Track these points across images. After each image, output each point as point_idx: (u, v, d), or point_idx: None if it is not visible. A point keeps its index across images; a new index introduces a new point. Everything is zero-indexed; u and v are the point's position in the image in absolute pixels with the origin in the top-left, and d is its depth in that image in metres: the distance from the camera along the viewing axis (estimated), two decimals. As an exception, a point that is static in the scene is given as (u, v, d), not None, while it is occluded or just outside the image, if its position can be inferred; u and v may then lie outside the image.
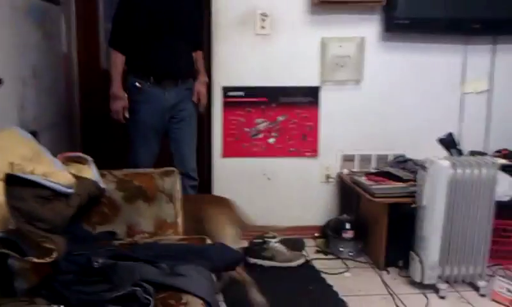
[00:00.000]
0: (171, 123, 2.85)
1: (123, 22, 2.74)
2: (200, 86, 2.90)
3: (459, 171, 2.49)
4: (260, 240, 2.89)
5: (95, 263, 1.60)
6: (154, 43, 2.72)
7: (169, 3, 2.74)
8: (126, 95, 2.76)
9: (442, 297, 2.53)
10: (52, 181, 1.69)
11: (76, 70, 3.85)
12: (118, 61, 2.76)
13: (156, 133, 2.85)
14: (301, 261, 2.88)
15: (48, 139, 2.89)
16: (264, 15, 3.05)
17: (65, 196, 1.75)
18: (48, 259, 1.47)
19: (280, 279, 2.71)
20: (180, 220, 2.08)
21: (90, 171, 2.02)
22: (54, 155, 2.06)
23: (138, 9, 2.71)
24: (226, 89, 3.11)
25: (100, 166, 2.13)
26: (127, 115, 2.77)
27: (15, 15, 2.46)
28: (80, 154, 2.13)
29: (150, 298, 1.45)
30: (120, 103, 2.75)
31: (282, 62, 3.12)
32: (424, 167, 2.53)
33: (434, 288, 2.57)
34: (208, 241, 2.00)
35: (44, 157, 1.94)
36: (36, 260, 1.46)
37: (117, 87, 2.74)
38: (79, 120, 3.93)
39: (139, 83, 2.75)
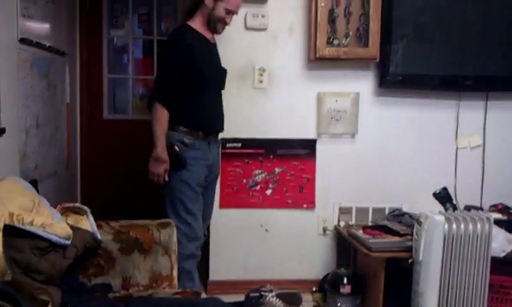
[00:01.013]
0: (207, 179, 2.70)
1: (172, 75, 2.52)
2: None
3: (454, 226, 2.51)
4: (257, 294, 2.86)
5: (89, 317, 1.60)
6: (201, 96, 2.60)
7: (213, 56, 2.74)
8: (180, 151, 2.55)
9: (440, 355, 2.49)
10: (49, 233, 1.71)
11: (78, 119, 3.92)
12: (164, 118, 2.51)
13: (200, 193, 2.63)
14: (297, 316, 2.84)
15: (48, 187, 2.92)
16: (262, 69, 3.15)
17: (62, 247, 1.76)
18: (42, 312, 1.47)
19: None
20: (175, 273, 2.08)
21: (87, 222, 2.04)
22: (53, 203, 2.09)
23: (190, 61, 2.53)
24: (224, 141, 3.16)
25: (98, 216, 2.15)
26: (166, 178, 2.54)
27: (21, 66, 2.54)
28: (78, 205, 2.16)
29: (143, 353, 1.45)
30: (164, 166, 2.51)
31: (279, 115, 3.19)
32: (419, 222, 2.55)
33: (432, 345, 2.53)
34: (203, 295, 2.00)
35: (43, 208, 1.97)
36: (30, 313, 1.46)
37: (162, 149, 2.50)
38: (79, 169, 3.97)
39: (188, 139, 2.56)
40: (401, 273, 2.72)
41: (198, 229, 2.60)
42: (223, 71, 2.80)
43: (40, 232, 1.68)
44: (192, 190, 2.57)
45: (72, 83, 3.65)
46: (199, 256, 2.68)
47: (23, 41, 2.54)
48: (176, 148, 2.53)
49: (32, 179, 2.51)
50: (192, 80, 2.54)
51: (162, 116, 2.50)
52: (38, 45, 2.80)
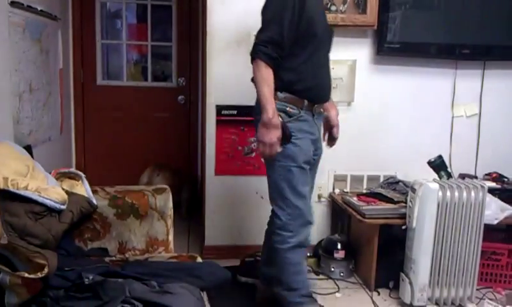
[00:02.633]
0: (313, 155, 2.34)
1: (281, 26, 2.07)
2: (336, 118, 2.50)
3: (448, 193, 2.53)
4: (252, 259, 2.90)
5: (86, 279, 1.61)
6: (310, 57, 2.18)
7: (322, 10, 2.35)
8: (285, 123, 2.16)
9: (431, 319, 2.55)
10: (45, 197, 1.71)
11: (72, 85, 3.88)
12: (270, 78, 2.09)
13: (308, 170, 2.29)
14: (291, 280, 2.88)
15: (43, 153, 2.91)
16: (259, 36, 3.10)
17: (58, 211, 1.76)
18: (39, 275, 1.48)
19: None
20: (171, 237, 2.10)
21: (82, 188, 2.04)
22: (48, 169, 2.09)
23: (301, 10, 2.09)
24: (219, 108, 3.15)
25: (93, 181, 2.15)
26: (279, 149, 2.13)
27: (12, 30, 2.49)
28: (73, 170, 2.15)
29: (139, 315, 1.47)
30: (277, 133, 2.09)
31: (276, 83, 3.16)
32: (413, 189, 2.56)
33: (423, 310, 2.59)
34: (199, 259, 2.02)
35: (38, 173, 1.96)
36: (27, 275, 1.47)
37: (274, 112, 2.07)
38: (73, 135, 3.96)
39: (292, 108, 2.19)
40: (394, 240, 2.75)
41: (308, 213, 2.28)
42: (331, 32, 2.36)
43: (34, 196, 1.68)
44: (300, 168, 2.22)
45: (65, 48, 3.59)
46: (308, 246, 2.39)
47: (14, 4, 2.48)
48: (280, 118, 2.13)
49: (26, 144, 2.50)
50: (301, 36, 2.11)
51: (268, 76, 2.08)
52: (30, 9, 2.73)
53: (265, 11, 2.15)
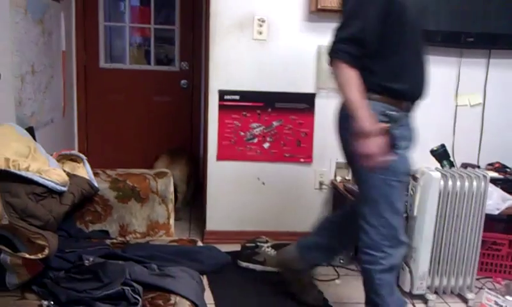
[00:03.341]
0: None
1: (366, 21, 1.79)
2: None
3: (450, 182, 2.52)
4: (253, 244, 2.90)
5: (86, 261, 1.62)
6: (406, 50, 1.89)
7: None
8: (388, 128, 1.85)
9: (430, 307, 2.55)
10: (46, 179, 1.71)
11: (74, 67, 3.87)
12: (355, 79, 1.80)
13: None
14: (291, 266, 2.89)
15: (45, 135, 2.91)
16: (261, 20, 3.08)
17: (59, 193, 1.77)
18: (40, 256, 1.49)
19: (270, 284, 2.72)
20: (172, 221, 2.10)
21: (84, 170, 2.04)
22: (50, 152, 2.08)
23: (395, 2, 1.82)
24: (222, 93, 3.13)
25: (94, 164, 2.15)
26: (390, 158, 1.82)
27: (13, 10, 2.48)
28: (75, 152, 2.15)
29: (139, 297, 1.47)
30: (377, 140, 1.78)
31: (278, 68, 3.14)
32: (415, 178, 2.56)
33: (423, 299, 2.59)
34: (199, 243, 2.02)
35: (39, 154, 1.96)
36: (28, 256, 1.48)
37: (368, 119, 1.77)
38: (76, 117, 3.96)
39: (393, 110, 1.89)
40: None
41: (403, 232, 2.02)
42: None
43: (35, 178, 1.68)
44: (400, 182, 1.95)
45: (68, 30, 3.57)
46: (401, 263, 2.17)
47: (15, -17, 2.46)
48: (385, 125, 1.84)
49: (28, 126, 2.49)
50: (392, 27, 1.82)
51: (353, 78, 1.79)
52: (32, -11, 2.71)
53: (346, 2, 1.87)
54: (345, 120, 1.87)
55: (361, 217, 2.00)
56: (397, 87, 1.87)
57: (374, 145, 1.77)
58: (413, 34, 1.90)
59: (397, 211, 1.97)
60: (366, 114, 1.77)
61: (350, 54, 1.78)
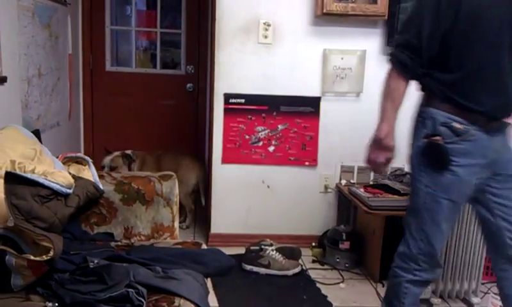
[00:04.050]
0: (493, 181, 1.83)
1: (428, 29, 1.72)
2: None
3: (455, 186, 2.51)
4: (257, 247, 2.90)
5: (91, 263, 1.62)
6: (483, 56, 1.71)
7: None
8: (441, 143, 1.75)
9: (435, 312, 2.54)
10: (51, 181, 1.72)
11: (81, 70, 3.90)
12: (398, 92, 1.79)
13: (461, 206, 1.93)
14: (296, 270, 2.89)
15: (51, 138, 2.93)
16: (267, 24, 3.09)
17: (64, 195, 1.77)
18: (45, 258, 1.49)
19: (275, 287, 2.72)
20: (176, 224, 2.11)
21: (89, 172, 2.05)
22: (56, 154, 2.10)
23: (462, 7, 1.68)
24: (227, 96, 3.14)
25: (99, 167, 2.16)
26: (387, 170, 1.85)
27: (21, 14, 2.50)
28: (80, 154, 2.16)
29: (143, 300, 1.48)
30: (386, 155, 1.86)
31: (284, 72, 3.15)
32: (421, 182, 2.54)
33: (428, 303, 2.58)
34: (204, 246, 2.02)
35: (45, 157, 1.97)
36: (33, 258, 1.48)
37: (390, 132, 1.82)
38: (82, 121, 3.98)
39: (459, 123, 1.74)
40: (400, 232, 2.73)
41: (438, 254, 1.92)
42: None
43: (41, 180, 1.68)
44: (452, 202, 1.82)
45: (74, 34, 3.60)
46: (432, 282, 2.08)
47: (23, -12, 2.49)
48: (438, 137, 1.75)
49: (34, 129, 2.51)
50: (462, 33, 1.69)
51: (395, 88, 1.78)
52: (39, -7, 2.74)
53: (406, 11, 1.83)
54: (415, 126, 1.88)
55: (405, 225, 1.97)
56: (470, 97, 1.72)
57: (379, 155, 1.84)
58: (487, 47, 1.70)
59: (441, 231, 1.86)
60: (386, 128, 1.81)
61: (402, 62, 1.77)
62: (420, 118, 1.86)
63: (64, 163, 2.08)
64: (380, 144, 1.83)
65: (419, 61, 1.76)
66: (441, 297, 2.61)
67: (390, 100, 1.80)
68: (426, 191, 1.83)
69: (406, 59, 1.76)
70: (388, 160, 1.85)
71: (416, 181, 1.86)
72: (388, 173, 3.22)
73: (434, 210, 1.83)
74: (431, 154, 1.79)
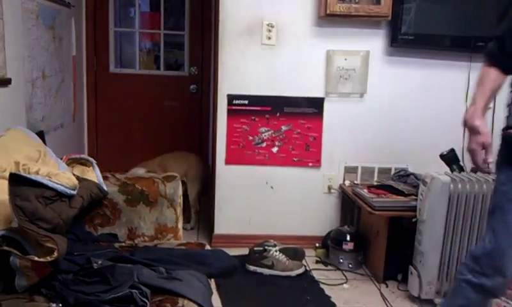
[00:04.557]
0: None
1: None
2: None
3: (459, 187, 2.51)
4: (261, 248, 2.90)
5: (95, 264, 1.63)
6: None
7: None
8: (487, 129, 1.70)
9: (439, 312, 2.53)
10: (55, 183, 1.72)
11: (85, 72, 3.91)
12: (489, 78, 1.75)
13: None
14: (300, 271, 2.89)
15: (55, 139, 2.94)
16: (271, 25, 3.09)
17: (68, 197, 1.78)
18: (49, 259, 1.50)
19: (278, 288, 2.72)
20: (180, 225, 2.11)
21: (93, 174, 2.05)
22: (60, 156, 2.11)
23: None
24: (230, 97, 3.14)
25: (104, 168, 2.17)
26: (490, 160, 1.70)
27: (25, 16, 2.51)
28: (84, 156, 2.17)
29: (147, 300, 1.48)
30: (478, 139, 1.70)
31: (287, 73, 3.15)
32: (424, 182, 2.54)
33: (431, 303, 2.57)
34: (207, 247, 2.03)
35: (49, 158, 1.98)
36: (37, 259, 1.49)
37: (475, 114, 1.71)
38: (86, 122, 3.99)
39: None
40: (404, 232, 2.74)
41: (503, 258, 1.75)
42: None
43: (45, 181, 1.69)
44: None
45: (78, 36, 3.61)
46: (493, 294, 1.86)
47: (27, -10, 2.50)
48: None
49: (39, 130, 2.52)
50: None
51: (484, 75, 1.75)
52: (43, -5, 2.75)
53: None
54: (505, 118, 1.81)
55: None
56: None
57: (472, 142, 1.71)
58: None
59: (510, 233, 1.73)
60: (472, 110, 1.72)
61: (490, 52, 1.76)
62: (507, 109, 1.78)
63: (68, 164, 2.09)
64: (471, 127, 1.71)
65: (507, 51, 1.73)
66: (445, 297, 2.60)
67: (479, 84, 1.75)
68: (501, 189, 1.75)
69: (495, 50, 1.75)
70: (479, 145, 1.68)
71: (496, 178, 1.79)
72: (393, 172, 3.21)
73: (506, 209, 1.73)
74: (506, 148, 1.72)
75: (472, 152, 1.71)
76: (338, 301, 2.59)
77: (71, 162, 2.12)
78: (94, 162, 2.15)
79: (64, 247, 1.57)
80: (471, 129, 1.72)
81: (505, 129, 1.75)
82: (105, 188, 2.04)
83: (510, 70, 1.76)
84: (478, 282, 1.80)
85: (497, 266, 1.76)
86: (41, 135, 2.33)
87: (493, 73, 1.74)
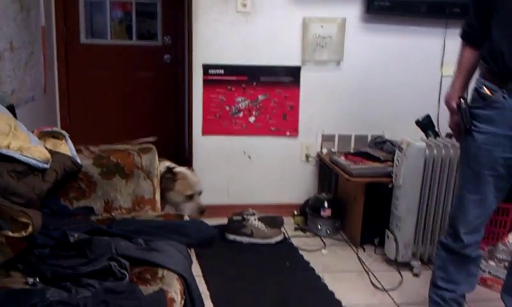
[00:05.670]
0: None
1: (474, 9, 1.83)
2: None
3: (434, 152, 2.54)
4: (240, 217, 2.92)
5: (71, 238, 1.61)
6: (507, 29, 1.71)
7: None
8: (463, 106, 1.80)
9: (416, 275, 2.60)
10: (27, 156, 1.68)
11: (55, 43, 3.79)
12: (464, 58, 1.85)
13: (497, 178, 1.80)
14: (279, 238, 2.92)
15: (26, 113, 2.85)
16: (246, -8, 3.04)
17: (41, 171, 1.74)
18: (23, 234, 1.47)
19: (258, 256, 2.75)
20: (157, 196, 2.09)
21: (66, 147, 2.01)
22: (32, 129, 2.05)
23: None
24: (206, 67, 3.10)
25: (77, 141, 2.12)
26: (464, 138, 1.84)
27: (-10, -14, 2.40)
28: (56, 129, 2.12)
29: (125, 272, 1.47)
30: (453, 117, 1.91)
31: (263, 41, 3.11)
32: (400, 148, 2.57)
33: (408, 266, 2.63)
34: (186, 218, 2.02)
35: (20, 132, 1.92)
36: (11, 234, 1.46)
37: (452, 95, 1.87)
38: (57, 95, 3.89)
39: (488, 89, 1.74)
40: (380, 198, 2.78)
41: (466, 227, 1.87)
42: None
43: (17, 155, 1.65)
44: (471, 170, 1.83)
45: (47, 5, 3.48)
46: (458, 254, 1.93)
47: (-10, -43, 2.39)
48: (462, 99, 1.81)
49: (9, 104, 2.44)
50: (490, 5, 1.74)
51: (460, 55, 1.87)
52: (7, -38, 2.63)
53: None
54: None
55: None
56: (492, 62, 1.73)
57: (451, 121, 1.92)
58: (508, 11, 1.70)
59: (463, 198, 1.86)
60: (450, 92, 1.89)
61: (465, 32, 1.87)
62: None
63: (40, 138, 2.03)
64: (447, 105, 1.91)
65: (475, 28, 1.82)
66: (421, 260, 2.67)
67: (457, 65, 1.89)
68: (461, 155, 1.92)
69: (465, 28, 1.87)
70: (454, 124, 1.90)
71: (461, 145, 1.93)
72: (369, 140, 3.24)
73: (461, 175, 1.92)
74: (460, 118, 1.83)
75: (451, 129, 1.93)
76: (316, 266, 2.64)
77: (43, 136, 2.06)
78: (66, 134, 2.09)
79: (39, 221, 1.54)
80: (449, 109, 1.89)
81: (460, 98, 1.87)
82: (78, 161, 2.00)
83: (479, 42, 1.81)
84: (446, 242, 1.97)
85: (456, 231, 1.90)
86: (11, 109, 2.25)
87: (467, 52, 1.85)
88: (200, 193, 2.64)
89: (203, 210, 2.61)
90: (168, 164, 2.56)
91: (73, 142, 2.08)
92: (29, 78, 3.04)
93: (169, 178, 2.50)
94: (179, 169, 2.59)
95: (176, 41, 4.07)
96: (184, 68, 4.04)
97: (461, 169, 1.94)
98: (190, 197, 2.56)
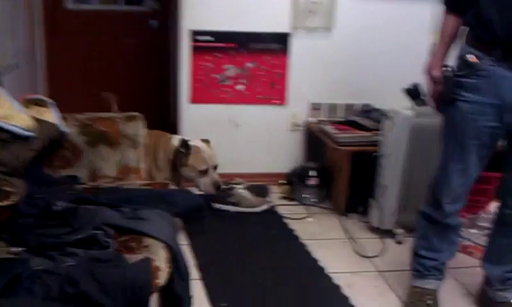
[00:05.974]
0: None
1: None
2: None
3: (422, 120, 2.54)
4: (226, 186, 2.93)
5: (56, 207, 1.60)
6: None
7: None
8: (448, 75, 1.78)
9: (399, 242, 2.64)
10: (11, 124, 1.66)
11: (38, 8, 3.69)
12: (446, 25, 1.82)
13: (481, 147, 1.80)
14: (265, 206, 2.95)
15: (9, 81, 2.80)
16: (234, -47, 2.97)
17: (25, 139, 1.72)
18: (7, 202, 1.47)
19: (244, 224, 2.78)
20: (143, 165, 2.09)
21: (51, 114, 1.98)
22: (16, 97, 2.02)
23: None
24: (194, 33, 3.05)
25: (63, 109, 2.09)
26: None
27: None
28: (41, 96, 2.09)
29: (110, 241, 1.48)
30: (432, 87, 1.87)
31: (252, 6, 3.06)
32: (387, 117, 2.58)
33: (391, 234, 2.68)
34: (172, 186, 2.02)
35: (4, 100, 1.89)
36: (-5, 203, 1.46)
37: (435, 64, 1.83)
38: (44, 62, 3.82)
39: (474, 56, 1.70)
40: (366, 167, 2.80)
41: (449, 196, 1.89)
42: None
43: (0, 123, 1.63)
44: (455, 140, 1.85)
45: (29, -32, 3.39)
46: (441, 226, 1.97)
47: None
48: (446, 68, 1.79)
49: (-9, 71, 2.40)
50: None
51: (442, 23, 1.82)
52: None
53: None
54: None
55: None
56: (478, 28, 1.71)
57: (431, 90, 1.86)
58: None
59: (444, 169, 1.89)
60: (431, 60, 1.84)
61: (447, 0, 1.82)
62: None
63: (24, 106, 2.00)
64: (426, 74, 1.86)
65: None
66: (404, 228, 2.71)
67: (440, 33, 1.84)
68: (442, 125, 1.89)
69: (447, 2, 1.82)
70: (433, 93, 1.87)
71: (443, 114, 1.90)
72: (357, 108, 3.24)
73: (444, 145, 1.90)
74: (443, 87, 1.80)
75: (433, 99, 1.88)
76: (302, 234, 2.68)
77: (27, 103, 2.04)
78: (52, 102, 2.07)
79: (23, 190, 1.54)
80: (427, 77, 1.85)
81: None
82: (64, 129, 1.98)
83: (463, 9, 1.77)
84: (426, 211, 2.01)
85: (436, 201, 1.93)
86: (-6, 76, 2.22)
87: (449, 20, 1.81)
88: (215, 167, 2.60)
89: (219, 185, 2.59)
90: (181, 137, 2.51)
91: (59, 110, 2.05)
92: (13, 46, 2.99)
93: (182, 152, 2.46)
94: (194, 142, 2.56)
95: (167, 7, 3.99)
96: (172, 35, 3.98)
97: (443, 139, 1.92)
98: (204, 172, 2.54)
